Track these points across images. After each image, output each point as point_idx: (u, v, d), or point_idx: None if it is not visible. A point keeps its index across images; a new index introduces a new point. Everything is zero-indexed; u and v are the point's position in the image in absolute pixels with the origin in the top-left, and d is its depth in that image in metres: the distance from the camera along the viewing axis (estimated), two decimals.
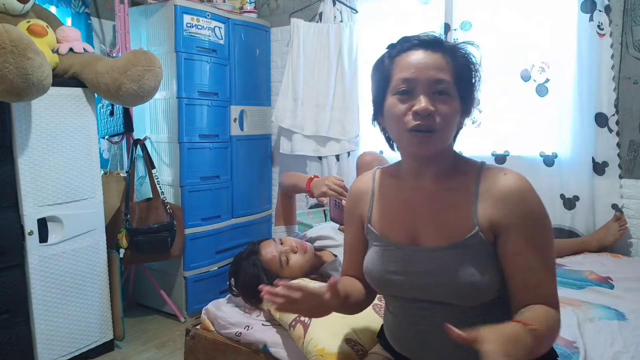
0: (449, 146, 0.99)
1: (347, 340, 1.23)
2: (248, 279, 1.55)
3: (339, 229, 1.88)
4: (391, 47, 0.99)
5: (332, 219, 1.73)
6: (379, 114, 1.02)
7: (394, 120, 0.95)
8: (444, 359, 0.98)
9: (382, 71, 0.98)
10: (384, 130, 1.04)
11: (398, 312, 1.05)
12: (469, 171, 0.99)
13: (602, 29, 2.07)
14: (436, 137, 0.92)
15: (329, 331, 1.26)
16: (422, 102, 0.90)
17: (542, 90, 2.26)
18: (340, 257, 1.73)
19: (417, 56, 0.93)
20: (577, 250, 2.08)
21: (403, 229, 1.01)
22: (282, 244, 1.63)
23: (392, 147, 1.05)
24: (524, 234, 0.90)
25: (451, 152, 1.01)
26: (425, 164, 0.99)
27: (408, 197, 1.02)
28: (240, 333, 1.47)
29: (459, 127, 0.99)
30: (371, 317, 1.30)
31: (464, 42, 0.98)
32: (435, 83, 0.91)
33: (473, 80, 0.97)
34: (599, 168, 2.15)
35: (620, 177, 2.13)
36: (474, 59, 0.97)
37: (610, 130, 2.11)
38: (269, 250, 1.60)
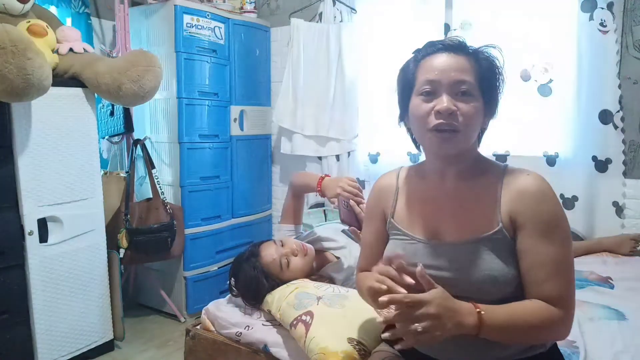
0: (472, 146, 1.02)
1: (350, 339, 1.23)
2: (248, 281, 1.54)
3: (342, 231, 1.87)
4: (417, 51, 1.03)
5: (343, 221, 1.72)
6: (404, 115, 1.06)
7: (417, 120, 0.99)
8: (460, 353, 0.99)
9: (408, 74, 1.02)
10: (409, 130, 1.08)
11: None
12: (493, 172, 1.02)
13: (605, 26, 2.06)
14: (458, 136, 0.95)
15: (331, 330, 1.26)
16: (444, 102, 0.93)
17: (545, 90, 2.26)
18: (343, 259, 1.73)
19: (441, 59, 0.97)
20: (582, 254, 2.06)
21: (426, 225, 1.04)
22: (282, 245, 1.63)
23: (417, 147, 1.09)
24: (536, 232, 0.93)
25: (475, 152, 1.04)
26: (449, 163, 1.02)
27: (431, 195, 1.05)
28: (241, 333, 1.47)
29: (483, 128, 1.03)
30: (374, 316, 1.30)
31: (486, 46, 1.01)
32: (458, 84, 0.94)
33: (496, 83, 1.00)
34: (601, 166, 2.14)
35: (624, 174, 2.12)
36: (497, 62, 1.00)
37: (616, 127, 2.10)
38: (269, 253, 1.60)
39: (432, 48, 1.00)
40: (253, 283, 1.53)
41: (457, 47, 0.98)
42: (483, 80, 0.97)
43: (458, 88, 0.95)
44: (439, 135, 0.95)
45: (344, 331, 1.26)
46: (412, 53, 1.05)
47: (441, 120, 0.93)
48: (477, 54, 0.99)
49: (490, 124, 1.04)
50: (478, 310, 0.88)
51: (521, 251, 0.94)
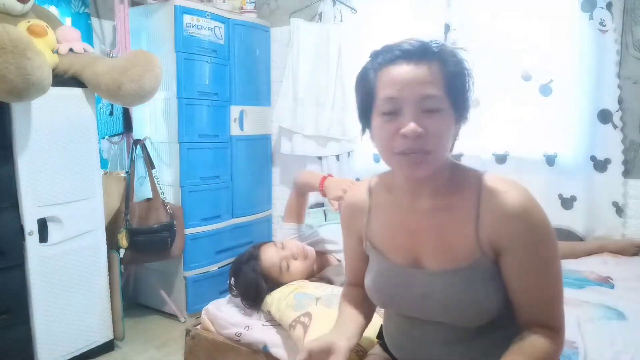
0: (445, 160, 0.91)
1: None
2: (247, 284, 1.54)
3: None
4: (374, 57, 0.91)
5: None
6: (366, 129, 0.95)
7: (381, 142, 0.89)
8: None
9: (366, 86, 0.90)
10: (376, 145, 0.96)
11: (400, 326, 1.04)
12: (469, 186, 0.92)
13: (604, 26, 2.06)
14: (429, 158, 0.85)
15: (329, 331, 1.25)
16: (410, 125, 0.82)
17: (545, 90, 2.25)
18: (344, 263, 1.73)
19: (401, 70, 0.84)
20: (584, 255, 2.05)
21: (403, 250, 0.97)
22: (282, 248, 1.62)
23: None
24: (526, 254, 0.86)
25: (448, 165, 0.93)
26: (421, 182, 0.92)
27: (406, 217, 0.96)
28: (240, 333, 1.47)
29: (455, 138, 0.92)
30: None
31: (452, 48, 0.90)
32: (423, 100, 0.83)
33: (466, 87, 0.88)
34: (600, 165, 2.14)
35: (624, 174, 2.11)
36: (465, 63, 0.88)
37: (615, 127, 2.09)
38: (269, 256, 1.59)
39: (390, 55, 0.86)
40: (252, 286, 1.53)
41: (418, 54, 0.84)
42: (451, 87, 0.85)
43: (424, 104, 0.83)
44: (407, 159, 0.85)
45: None
46: (370, 56, 0.92)
47: (408, 145, 0.83)
48: (441, 57, 0.85)
49: (463, 128, 0.92)
50: None
51: (509, 275, 0.88)
